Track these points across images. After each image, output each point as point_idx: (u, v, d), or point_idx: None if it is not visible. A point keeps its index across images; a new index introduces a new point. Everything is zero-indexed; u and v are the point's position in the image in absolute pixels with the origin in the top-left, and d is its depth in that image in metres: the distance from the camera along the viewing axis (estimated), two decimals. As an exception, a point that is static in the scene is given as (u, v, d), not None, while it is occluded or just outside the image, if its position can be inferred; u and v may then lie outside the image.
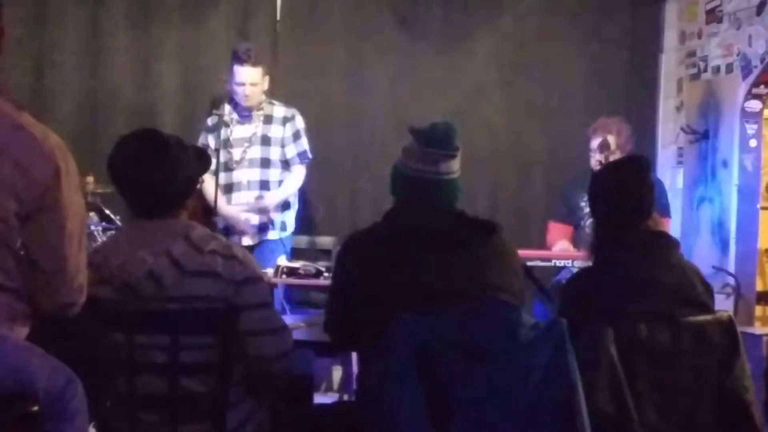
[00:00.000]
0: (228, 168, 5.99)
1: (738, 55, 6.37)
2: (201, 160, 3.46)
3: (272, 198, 5.98)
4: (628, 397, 3.28)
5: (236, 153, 5.99)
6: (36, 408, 2.57)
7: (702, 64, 6.80)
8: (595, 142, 6.05)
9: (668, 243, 3.60)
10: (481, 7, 7.10)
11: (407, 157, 3.37)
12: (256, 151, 6.01)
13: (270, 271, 5.32)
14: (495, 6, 7.13)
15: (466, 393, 2.82)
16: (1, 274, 2.75)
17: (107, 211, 5.66)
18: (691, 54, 6.95)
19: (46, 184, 2.74)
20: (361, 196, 6.51)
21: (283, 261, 5.59)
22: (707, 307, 3.53)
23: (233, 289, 3.19)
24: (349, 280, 3.35)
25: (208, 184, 5.74)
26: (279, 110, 6.06)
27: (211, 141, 5.98)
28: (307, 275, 5.38)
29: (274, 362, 3.32)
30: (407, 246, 3.21)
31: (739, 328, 3.52)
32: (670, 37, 7.24)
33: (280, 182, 6.08)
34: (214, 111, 5.96)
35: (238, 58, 5.86)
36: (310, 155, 6.07)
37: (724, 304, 5.75)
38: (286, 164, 6.05)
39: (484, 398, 2.84)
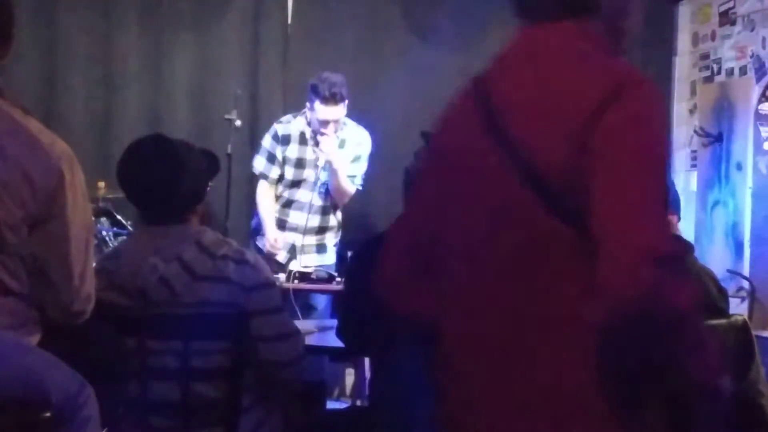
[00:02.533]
0: (293, 184, 5.94)
1: (752, 57, 6.35)
2: (210, 164, 3.46)
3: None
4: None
5: (306, 173, 5.89)
6: (49, 414, 2.57)
7: (715, 67, 6.77)
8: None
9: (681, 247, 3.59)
10: (494, 13, 7.06)
11: (419, 160, 3.36)
12: (324, 175, 5.89)
13: (282, 276, 5.31)
14: (508, 11, 7.09)
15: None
16: (13, 280, 2.74)
17: (119, 217, 5.66)
18: (705, 56, 6.93)
19: (51, 191, 2.73)
20: (373, 202, 6.49)
21: (295, 266, 5.59)
22: (722, 311, 3.51)
23: (245, 294, 3.19)
24: (362, 285, 3.34)
25: (266, 195, 5.79)
26: (352, 134, 5.90)
27: (279, 152, 5.88)
28: (319, 280, 5.37)
29: (287, 367, 3.31)
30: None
31: (754, 332, 3.51)
32: (683, 40, 7.22)
33: (338, 229, 6.09)
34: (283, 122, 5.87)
35: (323, 98, 5.62)
36: (359, 181, 5.97)
37: (738, 308, 5.72)
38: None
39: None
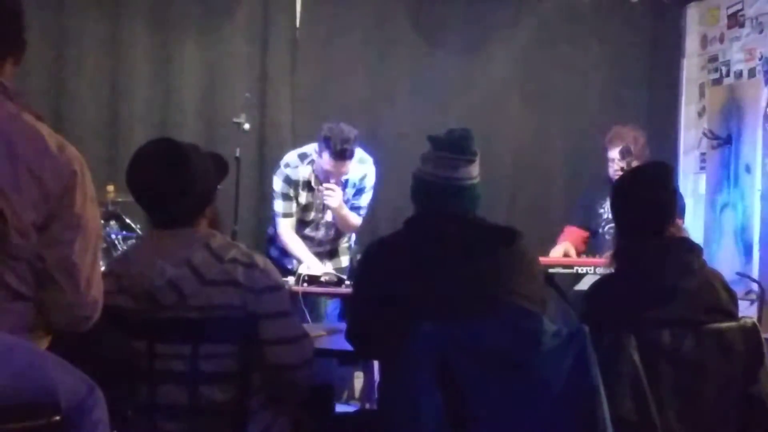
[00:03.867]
0: (302, 222, 5.97)
1: (760, 59, 6.34)
2: (219, 167, 3.46)
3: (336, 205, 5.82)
4: (651, 404, 3.27)
5: (312, 216, 5.95)
6: (57, 418, 2.57)
7: (724, 69, 6.77)
8: (614, 151, 6.05)
9: (691, 249, 3.58)
10: (500, 14, 7.09)
11: (425, 164, 3.36)
12: (330, 215, 5.94)
13: (291, 279, 5.31)
14: (514, 12, 7.12)
15: (487, 401, 2.81)
16: (21, 284, 2.75)
17: (127, 220, 5.67)
18: (713, 59, 6.93)
19: (61, 194, 2.74)
20: (382, 204, 6.50)
21: (304, 269, 5.60)
22: (731, 314, 3.50)
23: (253, 297, 3.19)
24: (371, 288, 3.34)
25: (289, 232, 5.86)
26: (354, 171, 5.84)
27: (291, 192, 5.88)
28: (328, 284, 5.38)
29: (295, 371, 3.31)
30: (427, 254, 3.21)
31: (764, 335, 3.49)
32: (691, 42, 7.22)
33: (348, 239, 6.15)
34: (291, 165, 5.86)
35: (333, 153, 5.57)
36: (364, 212, 6.01)
37: (747, 311, 5.72)
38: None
39: (506, 406, 2.83)
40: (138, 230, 5.60)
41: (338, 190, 5.70)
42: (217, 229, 3.37)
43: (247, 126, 5.89)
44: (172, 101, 6.75)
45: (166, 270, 3.14)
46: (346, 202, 5.87)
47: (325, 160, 5.62)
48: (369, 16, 6.98)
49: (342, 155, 5.56)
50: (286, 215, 5.90)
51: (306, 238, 5.96)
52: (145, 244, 3.42)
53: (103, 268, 2.98)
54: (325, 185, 5.68)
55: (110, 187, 5.55)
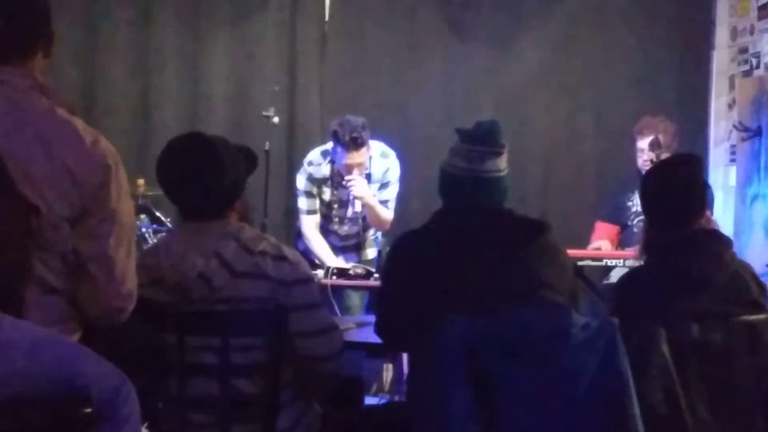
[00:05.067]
0: (327, 217, 5.99)
1: (791, 50, 6.30)
2: (249, 160, 3.48)
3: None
4: (681, 397, 3.26)
5: (336, 211, 5.95)
6: (89, 410, 2.59)
7: (754, 61, 6.72)
8: (644, 142, 6.02)
9: (721, 241, 3.57)
10: (530, 6, 7.07)
11: (453, 156, 3.36)
12: (352, 211, 5.95)
13: (320, 272, 5.33)
14: (544, 4, 7.10)
15: (515, 394, 2.81)
16: (52, 276, 2.77)
17: (158, 214, 5.70)
18: (743, 50, 6.87)
19: (95, 188, 2.76)
20: (410, 197, 6.50)
21: (333, 262, 5.61)
22: (761, 307, 3.49)
23: (283, 290, 3.20)
24: (399, 280, 3.35)
25: (312, 229, 5.89)
26: (376, 166, 5.86)
27: (315, 190, 5.90)
28: (356, 276, 5.39)
29: (324, 363, 3.33)
30: (455, 246, 3.20)
31: (794, 328, 3.48)
32: (721, 34, 7.16)
33: (375, 231, 6.13)
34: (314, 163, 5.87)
35: (344, 145, 5.59)
36: (393, 205, 5.96)
37: (778, 304, 5.68)
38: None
39: (535, 399, 2.83)
40: (168, 224, 5.63)
41: (361, 179, 5.70)
42: (246, 222, 3.39)
43: (276, 119, 5.91)
44: (202, 95, 6.78)
45: (197, 263, 3.16)
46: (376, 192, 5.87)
47: (340, 155, 5.64)
48: (398, 9, 6.97)
49: (354, 144, 5.57)
50: (310, 212, 5.91)
51: (331, 233, 5.98)
52: (175, 238, 3.44)
53: (135, 263, 3.00)
54: (347, 177, 5.68)
55: (140, 181, 5.59)
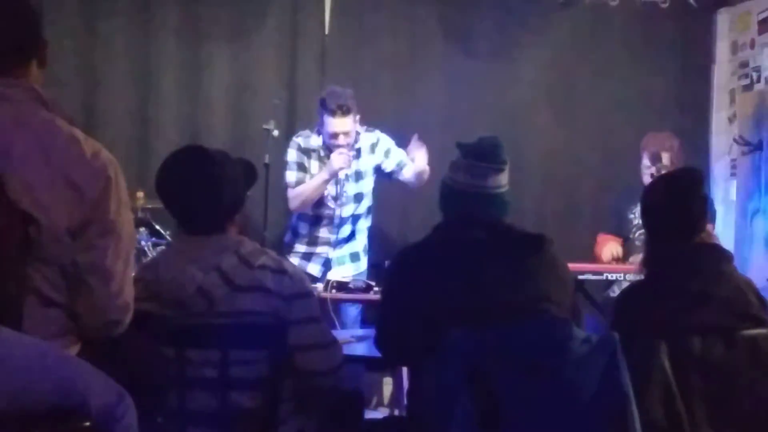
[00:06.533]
0: (317, 217, 5.97)
1: (791, 65, 6.30)
2: (248, 173, 3.47)
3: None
4: (682, 411, 3.25)
5: (331, 190, 5.92)
6: (87, 424, 2.58)
7: (755, 75, 6.73)
8: (647, 158, 6.04)
9: (721, 256, 3.56)
10: (530, 20, 7.07)
11: (455, 172, 3.36)
12: (350, 188, 5.94)
13: (320, 285, 5.32)
14: (545, 19, 7.10)
15: (517, 407, 2.80)
16: (54, 291, 2.76)
17: (157, 227, 5.70)
18: (744, 64, 6.88)
19: (95, 200, 2.75)
20: (411, 210, 6.49)
21: (333, 275, 5.60)
22: (762, 321, 3.48)
23: (283, 304, 3.20)
24: (400, 295, 3.34)
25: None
26: (364, 139, 5.92)
27: (306, 162, 5.90)
28: (356, 290, 5.38)
29: (324, 377, 3.32)
30: (456, 260, 3.20)
31: (795, 342, 3.47)
32: (722, 48, 7.17)
33: (369, 208, 6.10)
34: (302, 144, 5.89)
35: (330, 111, 5.68)
36: (408, 162, 5.97)
37: (779, 318, 5.67)
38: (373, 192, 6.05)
39: (536, 413, 2.83)
40: (167, 237, 5.62)
41: (346, 151, 5.72)
42: (246, 236, 3.38)
43: (276, 132, 5.92)
44: (202, 108, 6.77)
45: (196, 276, 3.15)
46: (382, 170, 5.95)
47: (327, 122, 5.70)
48: (398, 23, 6.97)
49: (340, 110, 5.64)
50: (299, 183, 5.87)
51: (321, 242, 5.97)
52: (175, 251, 3.44)
53: (132, 275, 2.99)
54: (333, 142, 5.72)
55: (140, 194, 5.59)
